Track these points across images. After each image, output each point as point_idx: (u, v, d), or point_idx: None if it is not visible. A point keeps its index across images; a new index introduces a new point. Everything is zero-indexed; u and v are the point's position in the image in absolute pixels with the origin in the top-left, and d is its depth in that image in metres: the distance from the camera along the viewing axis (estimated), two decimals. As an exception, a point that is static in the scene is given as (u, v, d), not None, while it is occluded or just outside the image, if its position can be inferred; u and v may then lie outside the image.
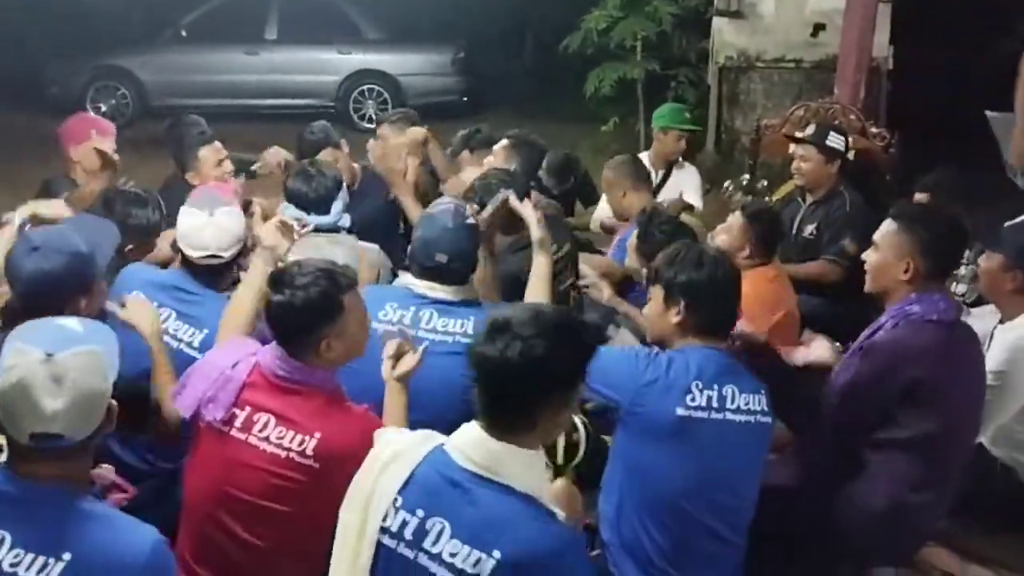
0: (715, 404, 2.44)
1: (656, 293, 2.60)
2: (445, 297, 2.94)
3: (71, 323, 1.94)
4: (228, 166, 4.28)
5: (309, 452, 2.35)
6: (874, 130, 5.32)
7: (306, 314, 2.37)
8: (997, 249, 3.33)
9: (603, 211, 5.02)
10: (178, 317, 2.96)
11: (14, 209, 3.16)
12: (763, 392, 2.53)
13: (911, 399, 2.72)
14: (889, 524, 2.76)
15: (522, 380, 1.84)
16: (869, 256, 2.93)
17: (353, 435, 2.34)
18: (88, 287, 2.61)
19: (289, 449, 2.36)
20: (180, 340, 2.93)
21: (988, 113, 4.75)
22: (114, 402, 1.88)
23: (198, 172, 4.21)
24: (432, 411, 2.51)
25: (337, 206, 3.61)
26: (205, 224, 2.99)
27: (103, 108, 11.11)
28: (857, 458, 2.82)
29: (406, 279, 3.05)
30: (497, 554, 1.79)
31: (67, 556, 1.75)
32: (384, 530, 1.88)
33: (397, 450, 1.95)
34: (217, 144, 4.32)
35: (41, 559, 1.74)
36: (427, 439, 1.97)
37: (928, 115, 8.09)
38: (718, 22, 8.29)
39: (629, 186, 4.38)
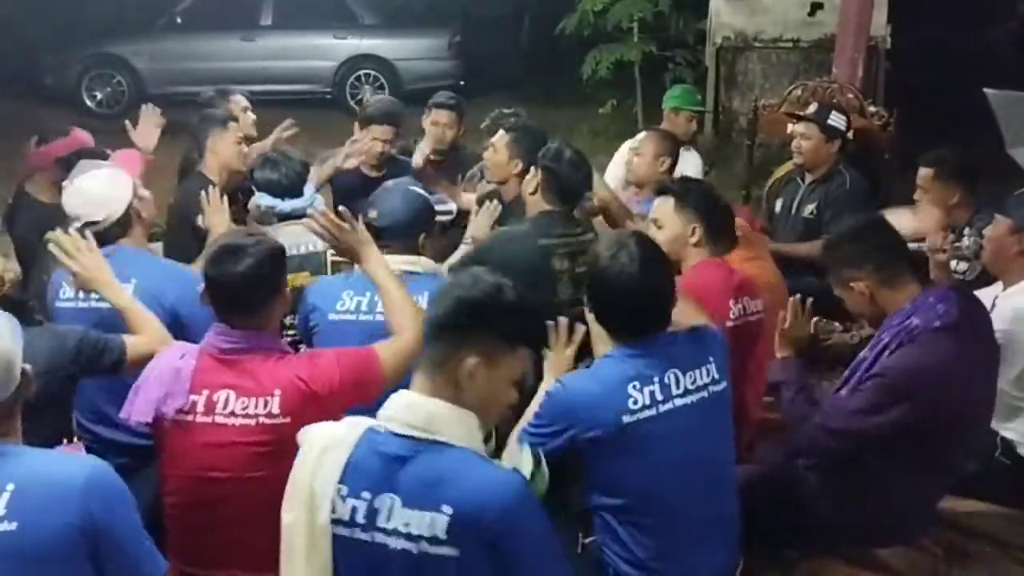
0: (659, 397, 2.36)
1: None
2: (397, 272, 2.88)
3: None
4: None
5: (275, 411, 2.36)
6: (872, 109, 5.30)
7: (270, 272, 2.45)
8: (1005, 213, 3.33)
9: (609, 176, 5.00)
10: None
11: (8, 197, 3.21)
12: (710, 359, 2.45)
13: (925, 417, 2.63)
14: (893, 506, 2.75)
15: (456, 310, 1.93)
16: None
17: (310, 381, 2.39)
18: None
19: (256, 416, 2.37)
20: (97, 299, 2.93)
21: (987, 91, 4.71)
22: (27, 366, 1.92)
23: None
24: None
25: (308, 188, 3.65)
26: (69, 191, 3.10)
27: (99, 96, 11.08)
28: (861, 450, 2.79)
29: None
30: (447, 508, 1.80)
31: (10, 487, 1.80)
32: (336, 522, 1.88)
33: (326, 444, 1.95)
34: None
35: None
36: (355, 426, 1.97)
37: (926, 93, 8.07)
38: (715, 2, 8.26)
39: (672, 164, 4.44)
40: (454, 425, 1.90)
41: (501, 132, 4.28)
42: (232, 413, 2.38)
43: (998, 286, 3.39)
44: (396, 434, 1.89)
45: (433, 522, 1.81)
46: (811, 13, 7.88)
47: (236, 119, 4.40)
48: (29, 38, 11.13)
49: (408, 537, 1.83)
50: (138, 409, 2.43)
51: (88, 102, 11.01)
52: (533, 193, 3.51)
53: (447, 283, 1.99)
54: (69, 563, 1.82)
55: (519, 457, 2.29)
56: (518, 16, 13.30)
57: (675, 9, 8.91)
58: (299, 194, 3.60)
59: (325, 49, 11.23)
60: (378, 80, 11.17)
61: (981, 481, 3.05)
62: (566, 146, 3.64)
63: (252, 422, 2.37)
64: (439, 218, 3.18)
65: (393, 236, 3.00)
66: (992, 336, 2.86)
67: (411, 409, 1.91)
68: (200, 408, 2.40)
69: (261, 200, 3.62)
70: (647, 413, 2.35)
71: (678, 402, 2.39)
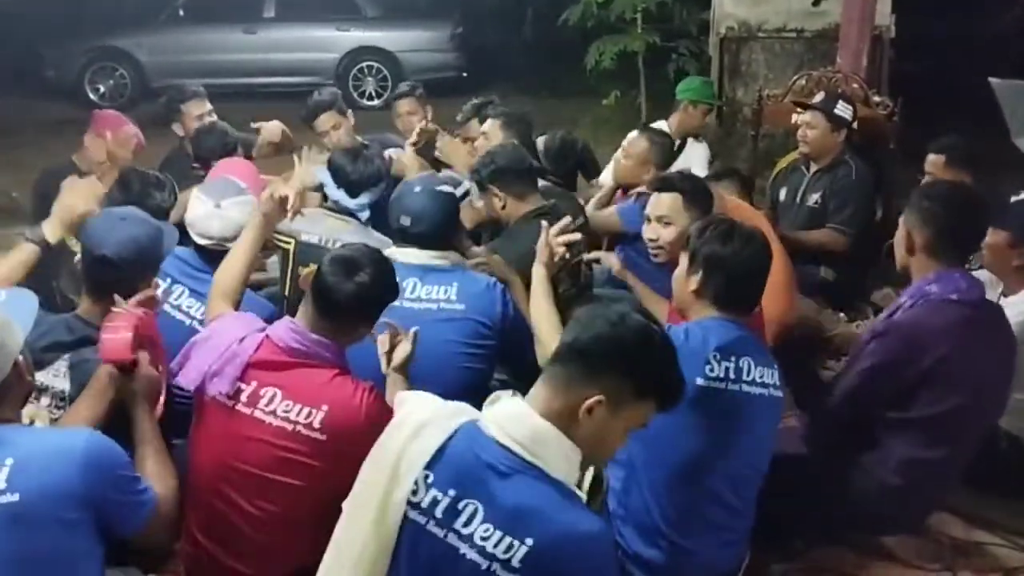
0: (732, 376, 2.44)
1: (683, 259, 2.62)
2: (424, 263, 2.97)
3: None
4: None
5: (316, 425, 2.35)
6: (877, 99, 5.28)
7: (368, 302, 2.44)
8: (1003, 226, 3.30)
9: (608, 173, 5.00)
10: (190, 294, 3.05)
11: (11, 190, 3.21)
12: (775, 367, 2.53)
13: (929, 380, 2.69)
14: (901, 495, 2.76)
15: (602, 342, 1.85)
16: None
17: (360, 410, 2.36)
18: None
19: (296, 422, 2.36)
20: (192, 316, 3.01)
21: (992, 80, 4.70)
22: (21, 358, 1.97)
23: (183, 124, 4.64)
24: (419, 380, 2.53)
25: (365, 196, 3.59)
26: (211, 214, 3.08)
27: (102, 89, 11.08)
28: (871, 433, 2.81)
29: (389, 251, 3.05)
30: (530, 541, 1.76)
31: (9, 461, 1.84)
32: (414, 505, 1.84)
33: (424, 420, 1.90)
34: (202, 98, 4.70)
35: None
36: (458, 412, 1.92)
37: (931, 83, 8.05)
38: (719, -8, 8.22)
39: (655, 171, 4.26)
40: (559, 455, 1.83)
41: (491, 120, 4.28)
42: (273, 412, 2.38)
43: (998, 285, 3.39)
44: (498, 443, 1.84)
45: (512, 549, 1.76)
46: (815, 3, 7.81)
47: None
48: (31, 31, 11.11)
49: (482, 552, 1.78)
50: (187, 374, 2.44)
51: (91, 95, 11.01)
52: (504, 208, 3.52)
53: (594, 308, 1.91)
54: (73, 527, 1.86)
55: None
56: (520, 7, 13.24)
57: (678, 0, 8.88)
58: (354, 196, 3.57)
59: (327, 41, 11.21)
60: (380, 72, 11.16)
61: (986, 470, 3.06)
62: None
63: (289, 427, 2.36)
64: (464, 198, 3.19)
65: (431, 239, 3.01)
66: (1008, 331, 2.86)
67: (521, 422, 1.84)
68: (244, 398, 2.40)
69: (321, 175, 3.60)
70: (719, 385, 2.43)
71: (746, 388, 2.46)
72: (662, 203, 3.27)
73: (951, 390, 2.70)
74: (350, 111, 4.80)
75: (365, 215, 3.60)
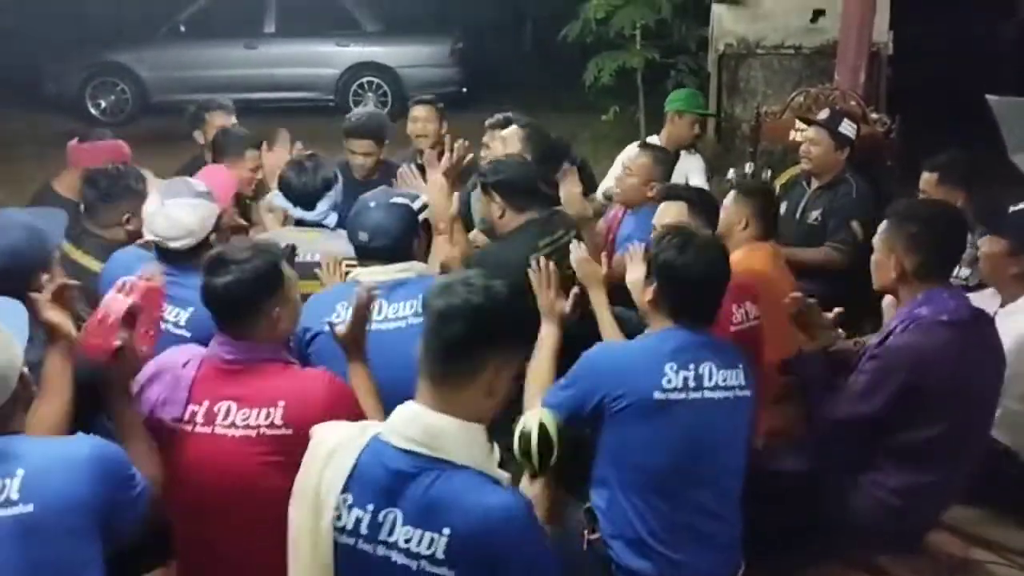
0: (692, 384, 2.45)
1: (643, 266, 2.66)
2: (389, 278, 2.94)
3: None
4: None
5: (278, 421, 2.35)
6: (875, 115, 5.31)
7: (254, 287, 2.40)
8: (1001, 234, 3.31)
9: (608, 184, 5.00)
10: (163, 300, 2.97)
11: (11, 205, 3.22)
12: (740, 366, 2.54)
13: (923, 402, 2.68)
14: (899, 515, 2.75)
15: (482, 321, 1.88)
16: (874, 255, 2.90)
17: (317, 393, 2.38)
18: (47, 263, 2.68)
19: (257, 427, 2.36)
20: (166, 321, 2.94)
21: (989, 97, 4.72)
22: (26, 371, 1.98)
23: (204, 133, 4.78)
24: (398, 398, 2.50)
25: (323, 204, 3.59)
26: (156, 212, 3.08)
27: (102, 104, 11.12)
28: (867, 452, 2.80)
29: (354, 272, 3.06)
30: (447, 531, 1.82)
31: (20, 471, 1.85)
32: (340, 529, 1.89)
33: (333, 446, 1.95)
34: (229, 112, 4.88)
35: None
36: (363, 430, 1.97)
37: (929, 100, 8.08)
38: (717, 9, 8.27)
39: (658, 187, 4.25)
40: (460, 443, 1.89)
41: (514, 127, 4.30)
42: (233, 424, 2.37)
43: (997, 296, 3.39)
44: (399, 448, 1.89)
45: (433, 542, 1.83)
46: (813, 20, 7.89)
47: (257, 145, 4.48)
48: (32, 46, 11.16)
49: (407, 553, 1.84)
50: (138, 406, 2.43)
51: (92, 110, 11.05)
52: (501, 217, 3.58)
53: (441, 301, 1.91)
54: (81, 535, 1.88)
55: (547, 416, 2.43)
56: (520, 23, 13.34)
57: (677, 16, 8.90)
58: (311, 208, 3.57)
59: (328, 56, 11.26)
60: (381, 87, 11.20)
61: (983, 488, 3.05)
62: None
63: (252, 433, 2.36)
64: (421, 216, 3.17)
65: (391, 253, 3.00)
66: (998, 346, 2.86)
67: (417, 423, 1.90)
68: (200, 419, 2.39)
69: (275, 199, 3.65)
70: (678, 396, 2.44)
71: (707, 394, 2.47)
72: (668, 211, 3.31)
73: (947, 412, 2.69)
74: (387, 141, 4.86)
75: (332, 220, 3.62)
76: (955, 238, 2.89)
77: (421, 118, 5.14)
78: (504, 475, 1.95)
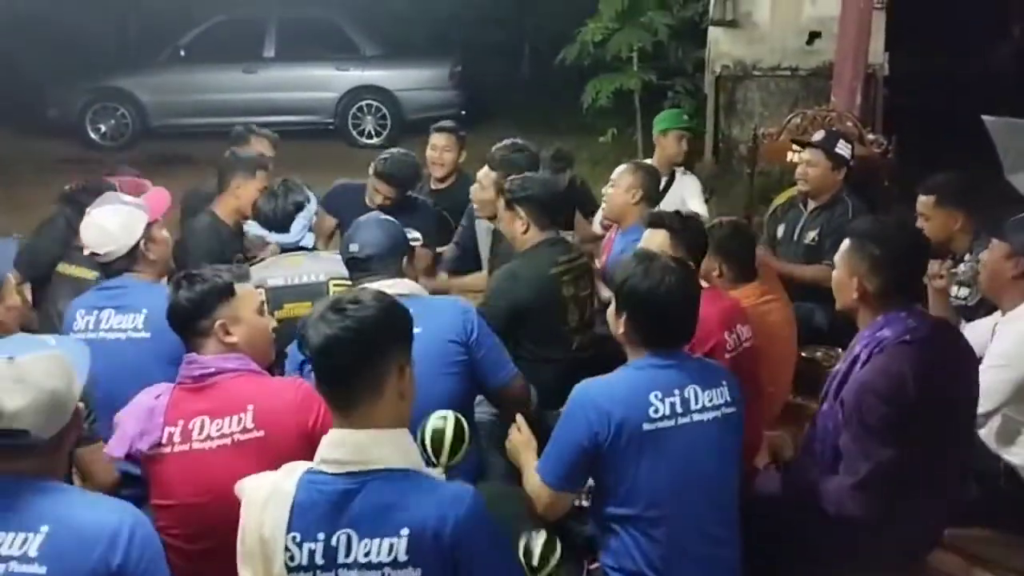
0: (680, 410, 2.44)
1: (614, 300, 2.62)
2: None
3: (46, 338, 2.09)
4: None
5: (250, 425, 2.40)
6: (871, 137, 5.32)
7: (200, 298, 2.54)
8: (1003, 237, 3.33)
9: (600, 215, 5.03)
10: (117, 312, 3.11)
11: (13, 230, 3.33)
12: (724, 383, 2.53)
13: (899, 424, 2.62)
14: (892, 532, 2.73)
15: (369, 341, 1.93)
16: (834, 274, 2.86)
17: (285, 391, 2.47)
18: None
19: (231, 434, 2.40)
20: (125, 330, 3.08)
21: (985, 118, 4.73)
22: (81, 405, 2.01)
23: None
24: None
25: (297, 226, 3.70)
26: (85, 223, 3.23)
27: (103, 129, 11.16)
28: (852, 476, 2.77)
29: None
30: (405, 531, 1.84)
31: (44, 528, 1.84)
32: (294, 568, 1.88)
33: (266, 494, 1.95)
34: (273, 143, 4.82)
35: (21, 535, 1.84)
36: (291, 471, 1.98)
37: (925, 121, 8.11)
38: (714, 31, 8.32)
39: (644, 196, 4.31)
40: (388, 449, 1.93)
41: (486, 169, 4.32)
42: (208, 437, 2.42)
43: (998, 314, 3.40)
44: (335, 474, 1.91)
45: (393, 547, 1.85)
46: (809, 42, 7.93)
47: (266, 166, 4.47)
48: (33, 71, 11.21)
49: (370, 566, 1.85)
50: (112, 444, 2.48)
51: (92, 135, 11.08)
52: (525, 232, 3.60)
53: (316, 335, 1.94)
54: None
55: (535, 539, 2.38)
56: (518, 46, 13.41)
57: (674, 38, 8.96)
58: (285, 230, 3.68)
59: (327, 80, 11.31)
60: (380, 111, 11.25)
61: (985, 508, 3.05)
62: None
63: (228, 441, 2.40)
64: (412, 243, 3.24)
65: (378, 263, 3.04)
66: (967, 356, 2.84)
67: (344, 446, 1.93)
68: (176, 438, 2.43)
69: (250, 229, 3.81)
70: (666, 423, 2.43)
71: (696, 417, 2.46)
72: (652, 240, 3.31)
73: (918, 430, 2.63)
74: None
75: (309, 240, 3.74)
76: (917, 260, 2.85)
77: (440, 147, 5.08)
78: (436, 472, 2.00)
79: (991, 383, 3.04)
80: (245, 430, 2.40)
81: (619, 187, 4.33)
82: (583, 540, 2.62)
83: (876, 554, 2.75)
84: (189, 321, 2.55)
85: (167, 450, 2.43)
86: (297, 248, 3.67)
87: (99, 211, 3.22)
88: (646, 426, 2.41)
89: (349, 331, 1.91)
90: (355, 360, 1.92)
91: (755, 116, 8.01)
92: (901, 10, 7.52)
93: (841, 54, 6.06)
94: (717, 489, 2.50)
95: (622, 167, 4.47)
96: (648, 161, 5.45)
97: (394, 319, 1.99)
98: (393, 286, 2.96)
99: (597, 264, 4.21)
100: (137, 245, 3.21)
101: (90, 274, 3.44)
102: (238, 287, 2.63)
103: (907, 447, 2.61)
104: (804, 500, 2.76)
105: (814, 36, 7.85)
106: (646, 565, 2.44)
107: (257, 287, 3.44)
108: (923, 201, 4.12)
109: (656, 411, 2.42)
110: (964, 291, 3.88)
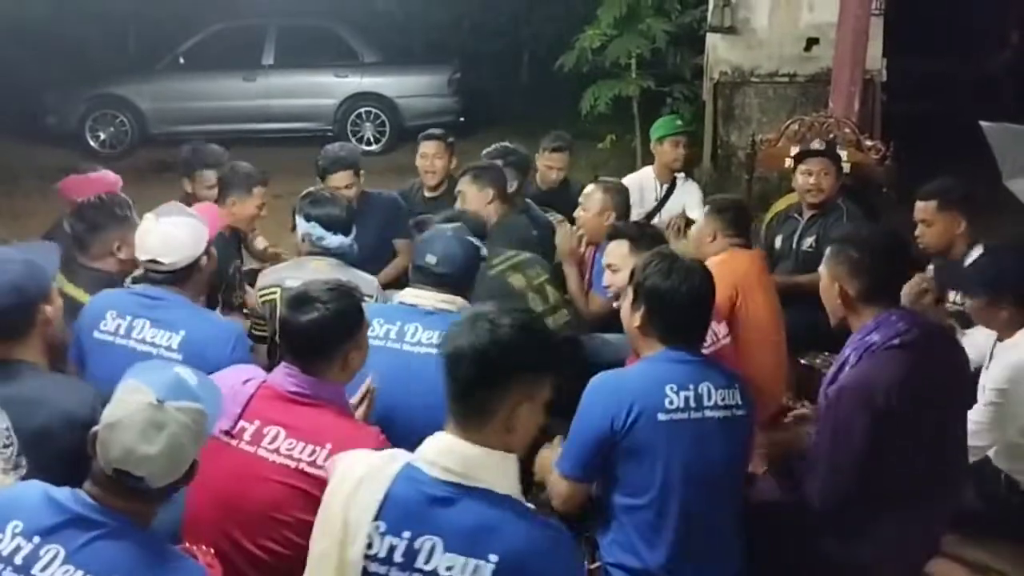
0: (693, 404, 2.49)
1: (629, 293, 2.67)
2: (431, 306, 2.96)
3: (186, 373, 2.01)
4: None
5: (320, 463, 2.34)
6: (869, 143, 5.34)
7: (335, 329, 2.46)
8: (973, 293, 3.35)
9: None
10: (152, 325, 2.96)
11: (12, 238, 3.23)
12: (737, 386, 2.57)
13: (890, 429, 2.60)
14: (892, 542, 2.73)
15: (489, 363, 1.87)
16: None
17: (367, 442, 2.34)
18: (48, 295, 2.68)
19: (300, 460, 2.36)
20: (158, 346, 2.94)
21: (983, 124, 4.75)
22: (197, 460, 1.97)
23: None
24: (433, 427, 2.51)
25: (354, 230, 3.65)
26: (150, 229, 3.06)
27: (102, 136, 11.17)
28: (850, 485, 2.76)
29: (401, 294, 3.09)
30: (494, 557, 1.79)
31: (44, 544, 1.82)
32: (371, 557, 1.85)
33: (361, 474, 1.92)
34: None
35: None
36: (392, 459, 1.95)
37: (923, 127, 8.13)
38: (712, 38, 8.33)
39: (617, 216, 4.25)
40: (495, 472, 1.88)
41: (467, 180, 4.30)
42: (276, 450, 2.38)
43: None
44: (437, 478, 1.87)
45: (477, 569, 1.80)
46: (807, 48, 7.95)
47: (264, 182, 4.40)
48: (32, 78, 11.22)
49: None
50: None
51: (91, 142, 11.08)
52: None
53: (451, 343, 1.92)
54: None
55: None
56: (517, 53, 13.42)
57: (672, 45, 8.97)
58: (348, 231, 3.60)
59: (326, 87, 11.32)
60: (379, 117, 11.26)
61: (985, 516, 3.04)
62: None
63: (292, 464, 2.36)
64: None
65: (450, 281, 3.03)
66: (960, 361, 2.83)
67: (453, 454, 1.88)
68: (247, 436, 2.41)
69: (313, 230, 3.59)
70: (681, 416, 2.47)
71: (708, 413, 2.51)
72: (611, 251, 3.36)
73: (909, 434, 2.62)
74: (362, 171, 4.74)
75: (355, 250, 3.64)
76: (897, 260, 2.84)
77: (430, 154, 5.05)
78: (532, 508, 1.94)
79: (990, 419, 3.06)
80: (314, 464, 2.34)
81: (590, 210, 4.29)
82: (583, 540, 2.62)
83: (874, 562, 2.75)
84: (314, 345, 2.45)
85: (234, 443, 2.40)
86: (342, 255, 3.60)
87: (167, 219, 3.07)
88: (661, 416, 2.45)
89: (475, 350, 1.87)
90: (473, 379, 1.88)
91: (753, 122, 8.02)
92: (899, 16, 7.54)
93: (839, 60, 6.08)
94: (724, 486, 2.54)
95: (590, 188, 4.41)
96: (650, 170, 5.47)
97: (528, 357, 1.91)
98: (449, 301, 3.00)
99: (573, 286, 4.20)
100: (199, 259, 3.09)
101: (86, 297, 3.34)
102: (364, 310, 2.59)
103: (886, 454, 2.60)
104: (800, 506, 2.77)
105: (812, 42, 7.86)
106: (648, 561, 2.45)
107: (274, 286, 3.49)
108: (923, 207, 4.10)
109: (671, 403, 2.47)
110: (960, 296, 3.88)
